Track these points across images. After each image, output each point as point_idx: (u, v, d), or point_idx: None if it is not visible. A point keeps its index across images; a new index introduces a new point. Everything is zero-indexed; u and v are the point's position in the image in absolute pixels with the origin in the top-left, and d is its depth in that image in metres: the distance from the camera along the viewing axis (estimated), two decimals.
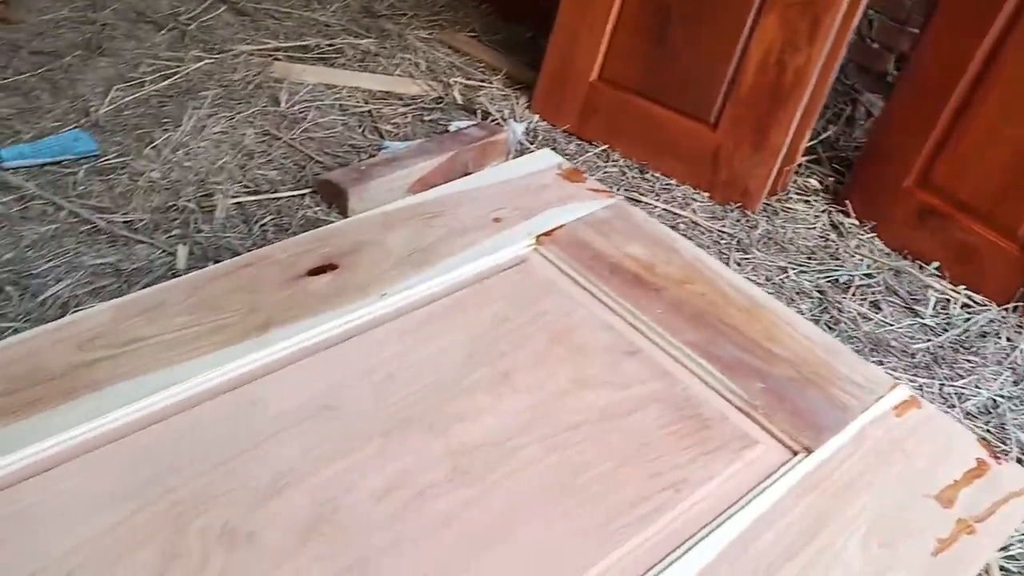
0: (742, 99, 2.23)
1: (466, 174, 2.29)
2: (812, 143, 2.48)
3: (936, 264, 2.12)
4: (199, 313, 1.08)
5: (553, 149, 2.47)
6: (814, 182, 2.41)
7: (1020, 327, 1.97)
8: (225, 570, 0.79)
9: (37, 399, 0.94)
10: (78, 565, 0.78)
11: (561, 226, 1.29)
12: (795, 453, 0.98)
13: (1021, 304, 1.98)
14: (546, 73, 2.59)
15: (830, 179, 2.43)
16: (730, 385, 1.05)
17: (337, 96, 2.52)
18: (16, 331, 1.53)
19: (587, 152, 2.48)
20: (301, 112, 2.39)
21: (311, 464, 0.91)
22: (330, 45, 2.78)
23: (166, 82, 2.42)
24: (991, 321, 1.98)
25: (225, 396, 0.98)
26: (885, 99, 2.51)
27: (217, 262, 1.75)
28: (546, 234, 1.27)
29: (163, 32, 2.71)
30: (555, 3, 2.56)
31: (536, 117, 2.59)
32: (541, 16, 2.91)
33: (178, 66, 2.51)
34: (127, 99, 2.31)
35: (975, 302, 2.04)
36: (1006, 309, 2.00)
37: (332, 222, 1.81)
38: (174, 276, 1.63)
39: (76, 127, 2.15)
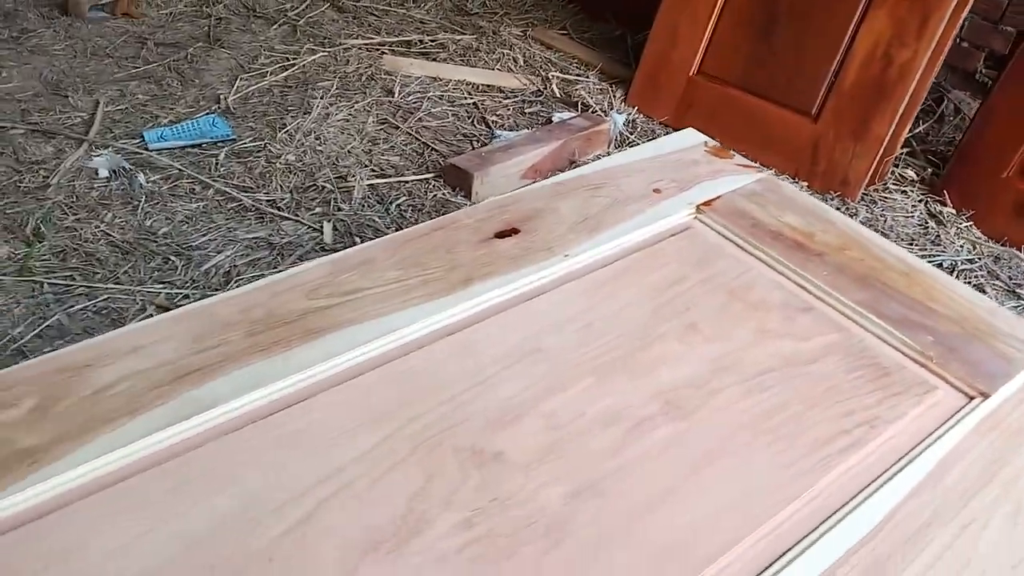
0: (845, 92, 2.30)
1: (572, 162, 2.40)
2: (907, 136, 2.54)
3: None
4: (406, 269, 1.18)
5: (653, 139, 2.56)
6: (911, 173, 2.47)
7: None
8: (483, 484, 0.89)
9: (280, 339, 1.05)
10: (357, 476, 0.89)
11: (718, 196, 1.38)
12: (971, 398, 1.06)
13: None
14: (644, 66, 2.68)
15: (926, 171, 2.49)
16: (902, 338, 1.13)
17: (444, 89, 2.63)
18: (187, 297, 1.65)
19: None
20: (414, 103, 2.51)
21: (534, 398, 1.00)
22: (432, 40, 2.90)
23: (285, 73, 2.56)
24: None
25: (442, 341, 1.08)
26: (973, 97, 2.56)
27: (361, 238, 1.88)
28: (705, 203, 1.36)
29: (275, 26, 2.85)
30: (642, 2, 2.66)
31: (634, 109, 2.68)
32: (627, 14, 3.01)
33: (295, 58, 2.64)
34: (252, 88, 2.45)
35: None
36: None
37: (461, 203, 1.93)
38: (323, 251, 1.76)
39: (209, 113, 2.28)
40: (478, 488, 0.89)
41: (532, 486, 0.90)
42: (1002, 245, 2.23)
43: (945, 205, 2.34)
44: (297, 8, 3.00)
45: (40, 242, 1.74)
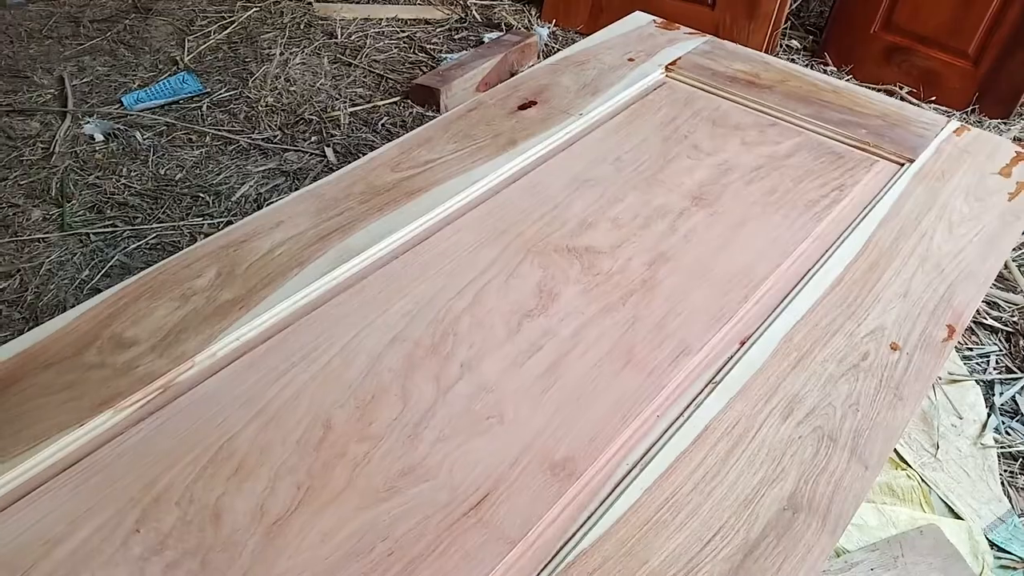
0: None
1: (512, 73, 2.67)
2: (788, 12, 2.94)
3: (907, 89, 2.64)
4: (459, 141, 1.44)
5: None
6: (795, 43, 2.88)
7: (979, 122, 2.51)
8: (586, 266, 1.19)
9: (389, 201, 1.30)
10: (495, 274, 1.16)
11: (679, 57, 1.70)
12: (902, 164, 1.44)
13: (977, 106, 2.52)
14: None
15: (807, 39, 2.91)
16: (846, 133, 1.49)
17: (378, 27, 2.82)
18: (230, 223, 1.84)
19: None
20: (357, 41, 2.70)
21: (599, 209, 1.30)
22: None
23: (227, 31, 2.68)
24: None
25: (513, 185, 1.36)
26: None
27: (358, 155, 2.10)
28: (671, 64, 1.68)
29: None
30: None
31: (552, 23, 2.96)
32: None
33: (230, 16, 2.77)
34: (202, 47, 2.57)
35: (943, 112, 2.56)
36: (966, 112, 2.53)
37: (433, 116, 2.18)
38: (331, 169, 1.98)
39: (174, 73, 2.41)
40: (583, 269, 1.19)
41: (620, 262, 1.20)
42: (878, 90, 2.68)
43: (827, 64, 2.77)
44: None
45: (69, 201, 1.87)
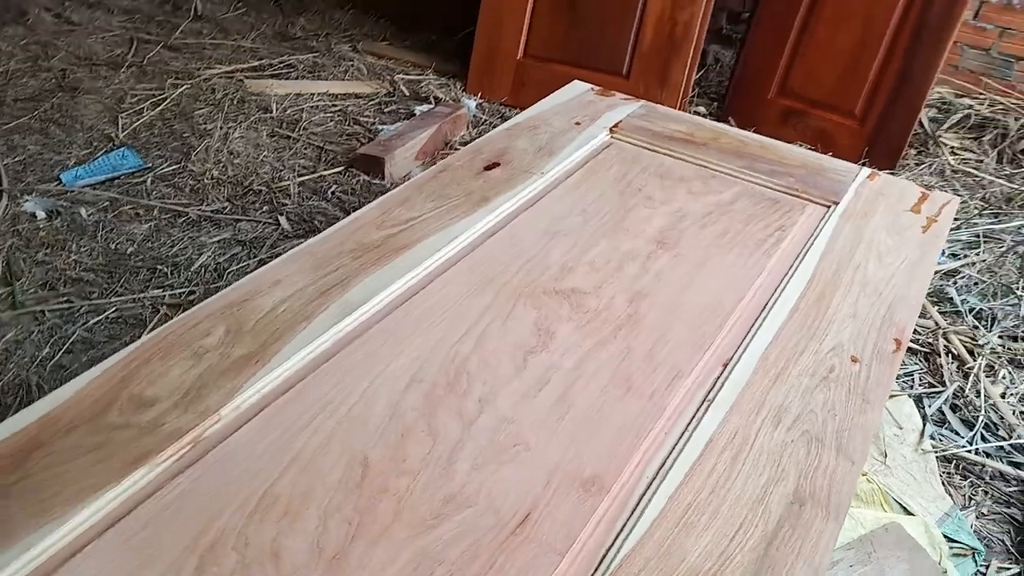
0: (645, 52, 2.91)
1: (447, 143, 2.81)
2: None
3: (806, 146, 2.92)
4: (436, 200, 1.54)
5: (501, 116, 3.04)
6: (702, 109, 3.15)
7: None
8: (575, 306, 1.29)
9: (380, 256, 1.37)
10: (492, 317, 1.25)
11: (620, 120, 1.86)
12: (829, 206, 1.62)
13: (867, 159, 2.82)
14: (476, 59, 3.14)
15: (712, 105, 3.18)
16: (776, 182, 1.68)
17: (310, 101, 2.91)
18: (192, 293, 1.85)
19: None
20: (293, 115, 2.77)
21: (575, 257, 1.41)
22: (281, 63, 3.15)
23: (160, 108, 2.70)
24: None
25: (492, 238, 1.45)
26: (723, 47, 3.31)
27: (311, 224, 2.15)
28: (614, 126, 1.84)
29: (122, 70, 2.95)
30: (444, 10, 3.13)
31: (477, 95, 3.13)
32: (434, 21, 3.48)
33: (161, 93, 2.79)
34: (136, 123, 2.58)
35: None
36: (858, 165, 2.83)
37: (379, 184, 2.27)
38: (287, 238, 2.03)
39: (111, 150, 2.40)
40: (573, 308, 1.29)
41: (605, 300, 1.31)
42: None
43: (732, 127, 3.04)
44: (130, 53, 3.10)
45: (18, 279, 1.83)
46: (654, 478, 1.02)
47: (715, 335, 1.26)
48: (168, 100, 2.74)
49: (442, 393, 1.11)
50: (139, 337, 1.70)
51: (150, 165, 2.34)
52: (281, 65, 3.14)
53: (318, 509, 0.94)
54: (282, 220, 2.13)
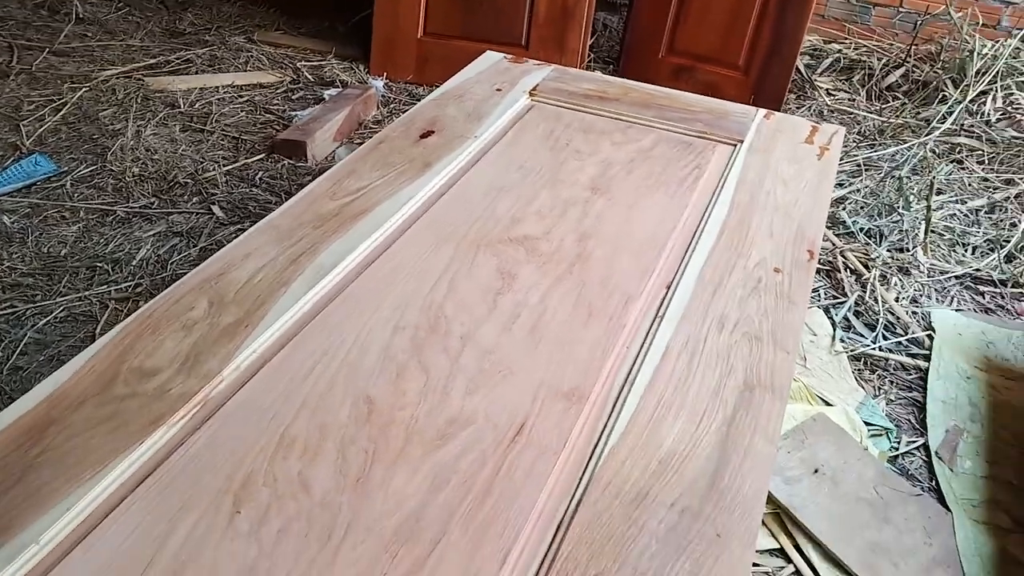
0: (541, 23, 3.05)
1: (360, 123, 2.86)
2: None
3: None
4: (382, 169, 1.62)
5: (409, 94, 3.11)
6: (599, 73, 3.31)
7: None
8: (529, 250, 1.41)
9: (340, 224, 1.44)
10: (459, 266, 1.35)
11: (537, 84, 1.99)
12: (735, 144, 1.80)
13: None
14: (377, 41, 3.19)
15: (608, 68, 3.35)
16: (686, 127, 1.84)
17: (216, 94, 2.90)
18: (139, 286, 1.86)
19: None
20: (202, 109, 2.75)
21: (521, 207, 1.53)
22: (178, 58, 3.11)
23: (62, 112, 2.64)
24: None
25: (444, 197, 1.55)
26: (609, 14, 3.49)
27: (245, 210, 2.18)
28: (532, 90, 1.96)
29: (11, 78, 2.85)
30: None
31: (383, 76, 3.18)
32: (324, 8, 3.51)
33: (60, 98, 2.72)
34: (41, 130, 2.51)
35: None
36: None
37: (303, 166, 2.33)
38: (223, 225, 2.06)
39: (19, 158, 2.34)
40: (528, 253, 1.41)
41: (555, 241, 1.44)
42: None
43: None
44: (14, 60, 2.98)
45: None
46: (624, 383, 1.15)
47: (656, 262, 1.41)
48: (69, 104, 2.68)
49: (425, 335, 1.21)
50: (93, 333, 1.72)
51: (65, 169, 2.30)
52: (178, 61, 3.10)
53: (334, 443, 1.03)
54: (215, 209, 2.15)
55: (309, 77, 3.13)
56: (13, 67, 2.94)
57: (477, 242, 1.43)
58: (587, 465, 1.03)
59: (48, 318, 1.75)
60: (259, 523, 0.93)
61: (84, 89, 2.79)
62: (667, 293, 1.34)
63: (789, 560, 1.37)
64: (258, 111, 2.83)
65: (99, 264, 1.93)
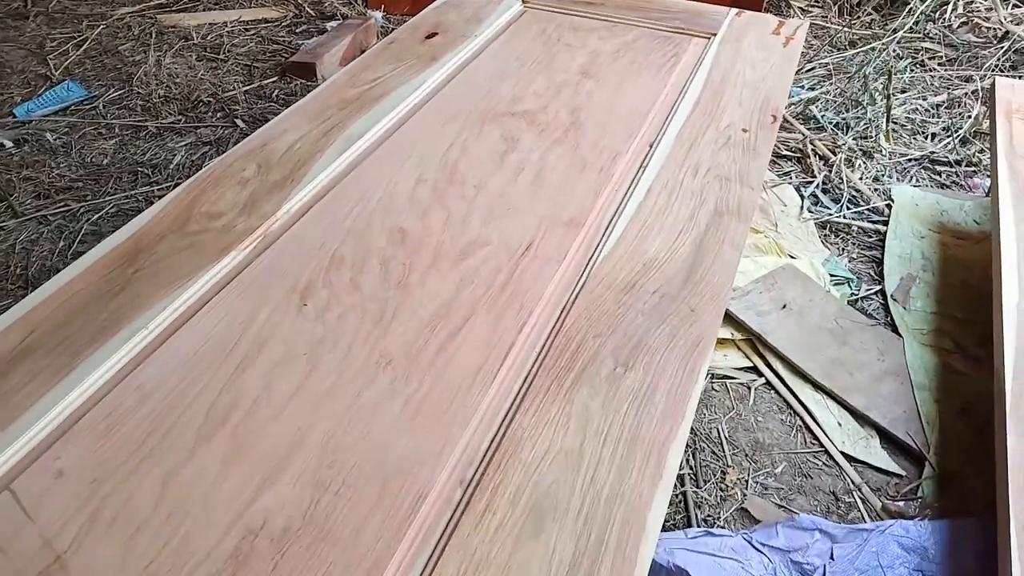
0: None
1: (362, 48, 3.04)
2: None
3: None
4: (394, 63, 1.82)
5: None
6: None
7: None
8: (529, 123, 1.62)
9: (362, 105, 1.65)
10: (469, 136, 1.56)
11: None
12: (709, 37, 2.00)
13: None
14: None
15: None
16: (666, 24, 2.04)
17: (225, 29, 3.07)
18: (177, 185, 2.07)
19: None
20: (214, 41, 2.93)
21: (521, 90, 1.73)
22: None
23: (82, 48, 2.81)
24: None
25: (452, 82, 1.75)
26: None
27: (265, 122, 2.37)
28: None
29: (30, 19, 3.02)
30: None
31: (382, 8, 3.35)
32: None
33: (80, 35, 2.89)
34: (66, 63, 2.69)
35: None
36: None
37: (315, 85, 2.51)
38: (245, 135, 2.25)
39: (51, 86, 2.53)
40: (529, 123, 1.61)
41: (551, 115, 1.64)
42: None
43: None
44: (30, 4, 3.15)
45: (11, 195, 2.00)
46: (614, 214, 1.37)
47: (640, 127, 1.62)
48: (88, 40, 2.85)
49: (444, 185, 1.43)
50: None
51: (96, 94, 2.49)
52: (186, 0, 3.26)
53: (377, 259, 1.25)
54: (239, 122, 2.35)
55: (311, 12, 3.30)
56: (30, 9, 3.10)
57: (483, 116, 1.63)
58: (584, 268, 1.25)
59: (100, 213, 1.96)
60: (323, 311, 1.15)
61: (101, 27, 2.96)
62: (649, 150, 1.55)
63: (761, 375, 1.60)
64: (266, 42, 3.01)
65: (140, 169, 2.13)
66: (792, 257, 1.88)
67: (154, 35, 2.93)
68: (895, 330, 1.72)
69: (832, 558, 1.22)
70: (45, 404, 1.00)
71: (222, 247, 1.26)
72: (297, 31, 3.17)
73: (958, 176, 2.27)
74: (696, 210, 1.38)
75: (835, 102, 2.56)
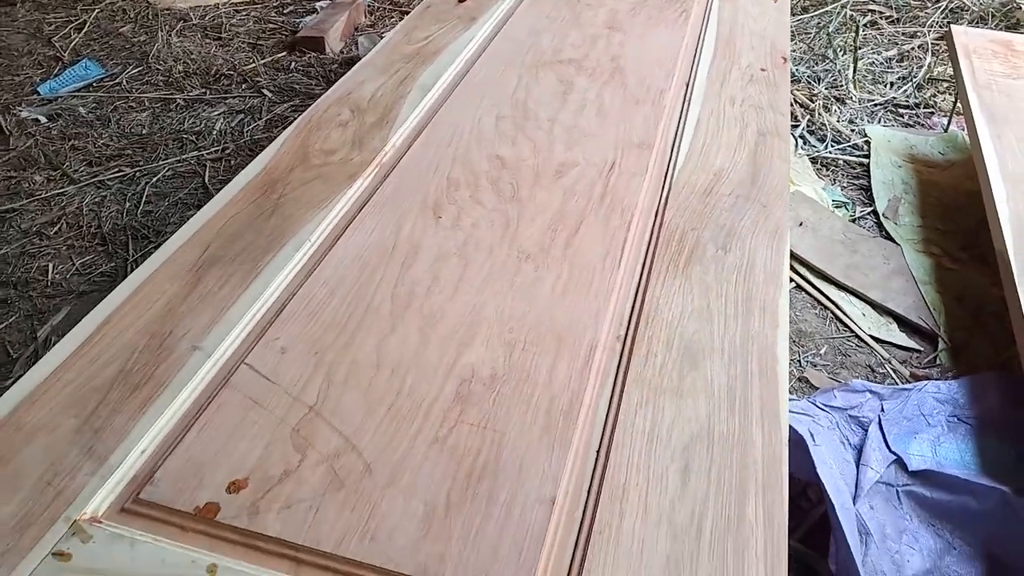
0: None
1: (356, 27, 3.18)
2: None
3: None
4: (439, 24, 1.99)
5: (392, 3, 3.43)
6: None
7: None
8: (577, 72, 1.81)
9: (425, 57, 1.81)
10: (525, 85, 1.75)
11: None
12: None
13: None
14: None
15: None
16: None
17: (218, 10, 3.15)
18: (224, 148, 2.18)
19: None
20: (213, 21, 3.01)
21: (560, 44, 1.93)
22: None
23: (83, 31, 2.86)
24: None
25: (495, 39, 1.94)
26: None
27: (292, 91, 2.49)
28: None
29: (17, 5, 3.04)
30: None
31: None
32: None
33: (77, 18, 2.93)
34: (72, 44, 2.74)
35: None
36: None
37: (325, 56, 2.65)
38: (274, 103, 2.38)
39: (63, 68, 2.58)
40: (577, 69, 1.81)
41: (593, 62, 1.85)
42: None
43: None
44: None
45: (63, 163, 2.08)
46: (675, 138, 1.59)
47: (673, 69, 1.84)
48: (87, 24, 2.89)
49: (521, 120, 1.61)
50: (203, 183, 2.05)
51: (114, 72, 2.55)
52: None
53: (487, 180, 1.43)
54: (266, 92, 2.46)
55: None
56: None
57: (535, 64, 1.82)
58: (664, 180, 1.46)
59: (158, 176, 2.06)
60: (456, 221, 1.32)
61: (96, 11, 3.00)
62: (687, 87, 1.77)
63: (791, 280, 1.85)
64: (263, 22, 3.10)
65: (184, 136, 2.23)
66: (796, 185, 2.14)
67: (151, 17, 2.99)
68: (892, 240, 1.99)
69: (883, 411, 1.46)
70: (248, 297, 1.15)
71: (347, 175, 1.42)
72: (285, 12, 3.27)
73: (918, 117, 2.58)
74: (743, 132, 1.61)
75: (804, 58, 2.85)
